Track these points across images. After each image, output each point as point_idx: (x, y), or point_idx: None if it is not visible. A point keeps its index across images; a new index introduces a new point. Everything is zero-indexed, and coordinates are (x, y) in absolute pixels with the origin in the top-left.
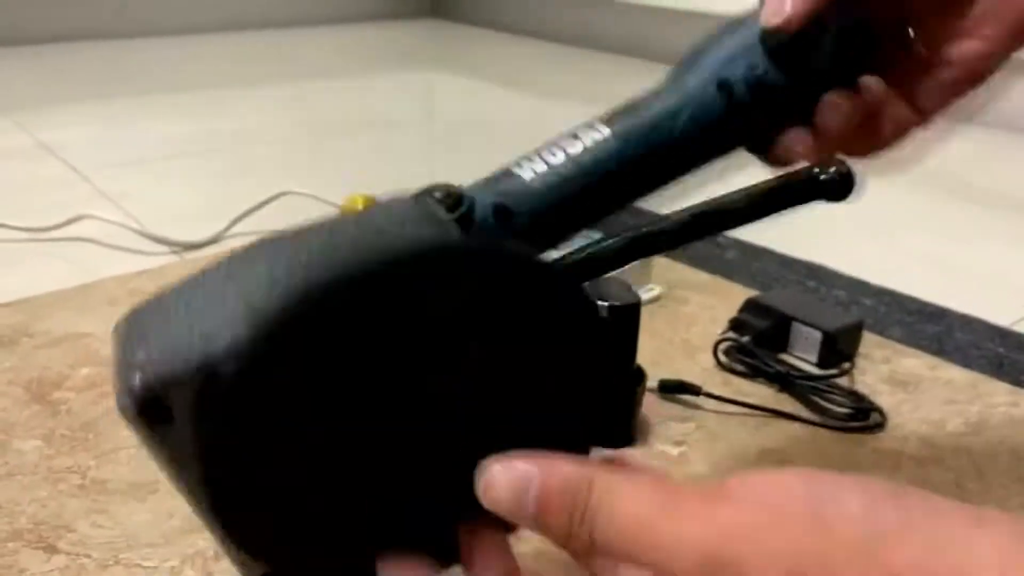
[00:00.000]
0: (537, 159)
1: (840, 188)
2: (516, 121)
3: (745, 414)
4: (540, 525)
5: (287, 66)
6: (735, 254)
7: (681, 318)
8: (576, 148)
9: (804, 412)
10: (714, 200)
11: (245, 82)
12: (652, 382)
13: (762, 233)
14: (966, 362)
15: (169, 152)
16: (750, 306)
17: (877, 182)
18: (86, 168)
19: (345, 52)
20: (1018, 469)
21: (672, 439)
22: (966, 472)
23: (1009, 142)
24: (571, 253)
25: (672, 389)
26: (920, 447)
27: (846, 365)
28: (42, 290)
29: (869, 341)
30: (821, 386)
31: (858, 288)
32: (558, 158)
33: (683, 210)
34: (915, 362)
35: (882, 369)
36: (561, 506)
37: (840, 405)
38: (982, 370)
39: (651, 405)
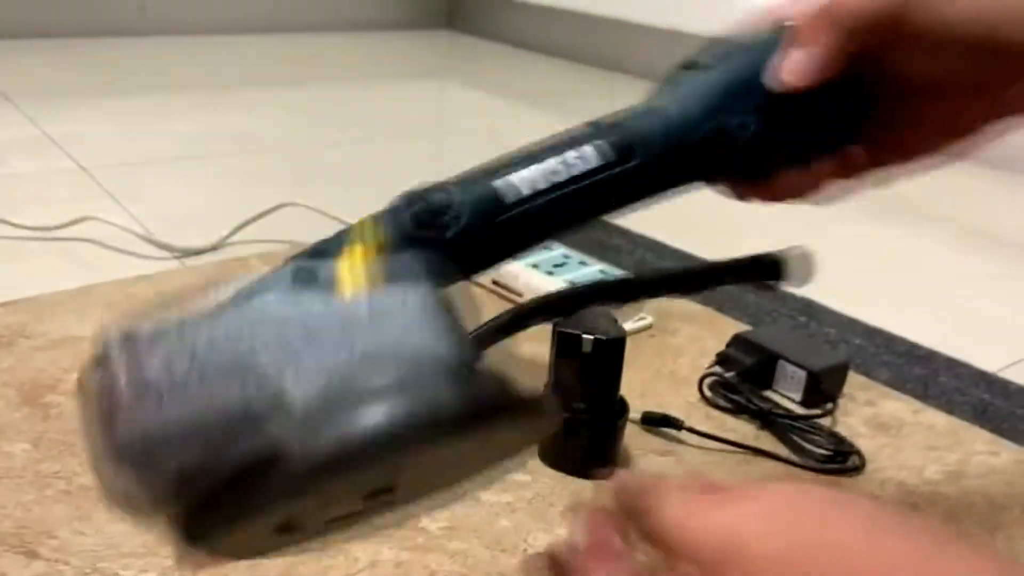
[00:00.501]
0: (523, 163)
1: (775, 274)
2: (526, 137)
3: (725, 450)
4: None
5: (301, 71)
6: (730, 287)
7: (669, 349)
8: (563, 157)
9: (784, 451)
10: (656, 270)
11: (260, 85)
12: (636, 413)
13: None
14: (950, 407)
15: (178, 153)
16: (737, 341)
17: (874, 223)
18: (94, 166)
19: (360, 60)
20: (993, 519)
21: (651, 473)
22: (941, 521)
23: (1009, 183)
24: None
25: (655, 422)
26: (897, 493)
27: (829, 405)
28: (43, 290)
29: (855, 381)
30: (802, 426)
31: (848, 326)
32: (545, 165)
33: (625, 274)
34: (898, 405)
35: (865, 411)
36: (625, 503)
37: (820, 446)
38: (965, 416)
39: (633, 437)
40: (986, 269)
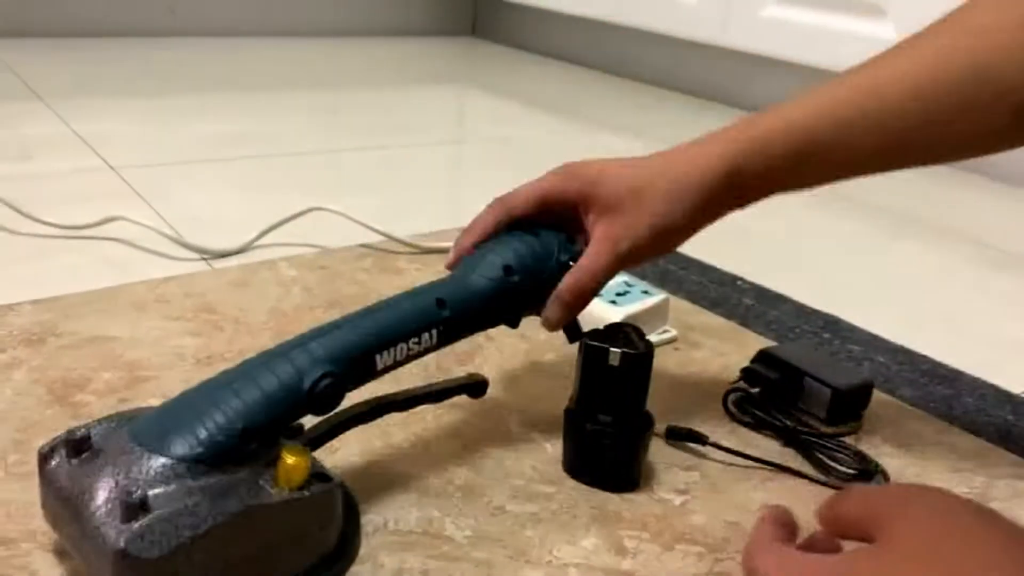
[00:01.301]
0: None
1: (477, 390)
2: (546, 144)
3: (749, 466)
4: None
5: (327, 74)
6: (753, 300)
7: (694, 363)
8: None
9: (808, 469)
10: (387, 395)
11: (287, 87)
12: (660, 427)
13: (782, 281)
14: (974, 428)
15: (207, 155)
16: (762, 357)
17: (899, 240)
18: (123, 165)
19: (385, 65)
20: None
21: (675, 487)
22: None
23: None
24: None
25: (679, 436)
26: None
27: (854, 423)
28: (72, 289)
29: (878, 400)
30: (827, 443)
31: (873, 344)
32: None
33: (367, 400)
34: (922, 425)
35: (889, 430)
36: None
37: (844, 464)
38: (989, 437)
39: (657, 451)
40: (1010, 288)
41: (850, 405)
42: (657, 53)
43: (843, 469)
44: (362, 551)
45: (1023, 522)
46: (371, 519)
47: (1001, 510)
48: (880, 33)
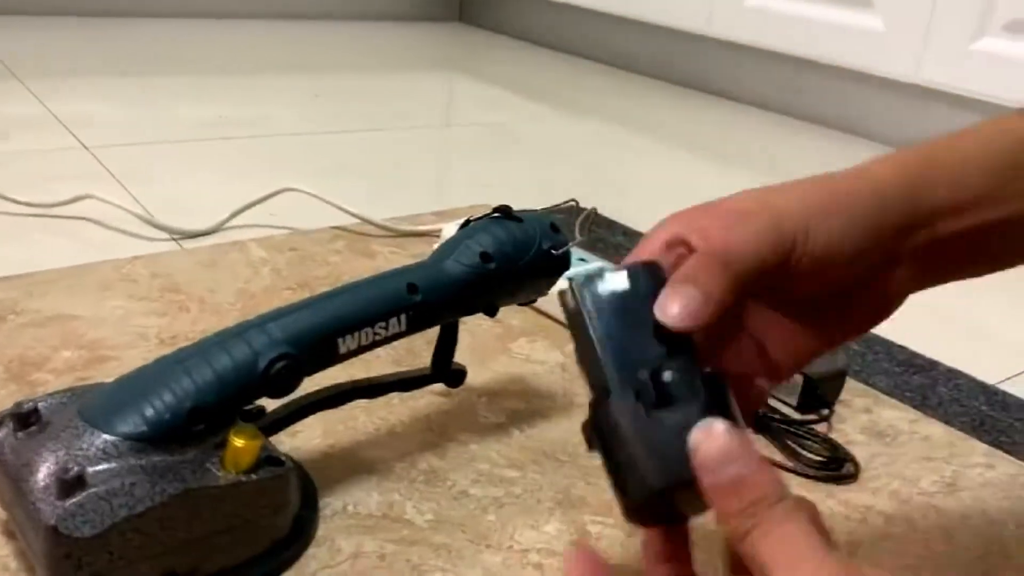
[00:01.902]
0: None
1: (454, 379)
2: (530, 130)
3: None
4: (717, 493)
5: (312, 58)
6: None
7: None
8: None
9: (778, 456)
10: (357, 381)
11: (268, 70)
12: None
13: None
14: (947, 418)
15: (185, 136)
16: None
17: None
18: (97, 145)
19: (371, 50)
20: (987, 533)
21: None
22: (934, 534)
23: None
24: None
25: None
26: (890, 503)
27: (825, 411)
28: (39, 267)
29: (852, 388)
30: (798, 431)
31: None
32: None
33: (337, 384)
34: (896, 414)
35: (862, 418)
36: (743, 498)
37: (814, 452)
38: (962, 427)
39: None
40: (988, 279)
41: (822, 392)
42: (643, 41)
43: (812, 456)
44: (319, 534)
45: (991, 512)
46: (330, 503)
47: (971, 499)
48: (867, 24)
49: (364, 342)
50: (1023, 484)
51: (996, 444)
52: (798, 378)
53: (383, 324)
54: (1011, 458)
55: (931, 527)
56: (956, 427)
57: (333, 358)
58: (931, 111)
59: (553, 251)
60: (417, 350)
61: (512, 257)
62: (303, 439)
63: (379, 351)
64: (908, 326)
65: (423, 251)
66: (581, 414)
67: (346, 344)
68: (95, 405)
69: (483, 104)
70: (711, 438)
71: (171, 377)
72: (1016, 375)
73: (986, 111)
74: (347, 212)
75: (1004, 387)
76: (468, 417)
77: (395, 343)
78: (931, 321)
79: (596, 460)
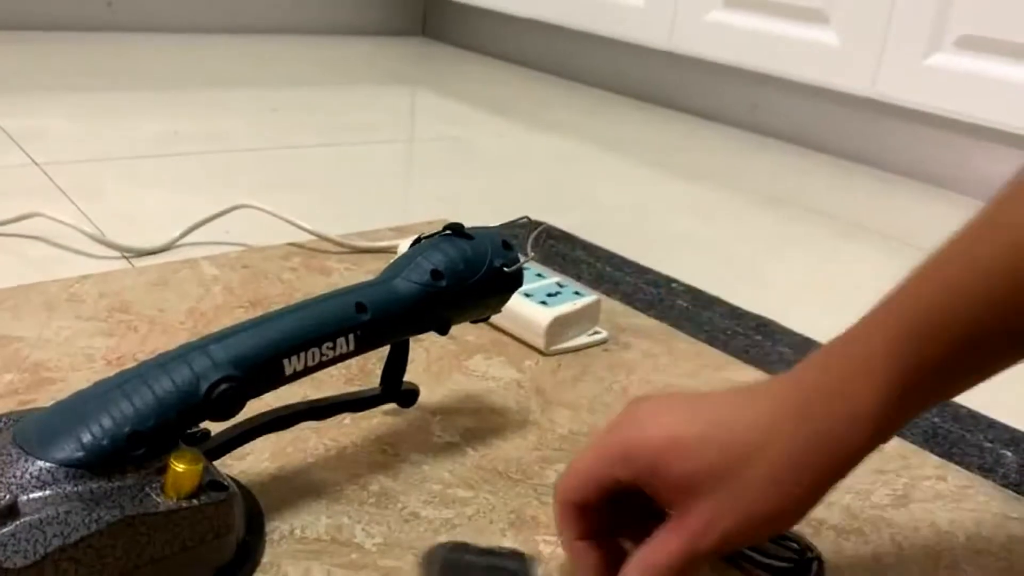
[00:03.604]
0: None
1: (406, 399)
2: (493, 145)
3: None
4: None
5: (271, 73)
6: (687, 302)
7: (622, 364)
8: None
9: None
10: (306, 402)
11: (226, 85)
12: (585, 427)
13: (720, 284)
14: (900, 431)
15: (139, 152)
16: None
17: (834, 243)
18: (48, 162)
19: (332, 64)
20: (937, 546)
21: None
22: (884, 546)
23: (974, 207)
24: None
25: None
26: (842, 517)
27: None
28: None
29: None
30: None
31: (804, 346)
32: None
33: (287, 405)
34: None
35: None
36: None
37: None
38: (915, 440)
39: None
40: None
41: None
42: (604, 56)
43: (778, 564)
44: (265, 559)
45: (942, 524)
46: (277, 527)
47: (922, 512)
48: (823, 39)
49: (311, 363)
50: (974, 496)
51: (948, 456)
52: None
53: (330, 344)
54: (962, 470)
55: (882, 540)
56: (908, 440)
57: (279, 380)
58: (886, 125)
59: (505, 268)
60: (370, 368)
61: (463, 275)
62: (251, 462)
63: (331, 370)
64: None
65: (380, 268)
66: (536, 431)
67: (292, 365)
68: (30, 430)
69: (445, 118)
70: None
71: (110, 401)
72: None
73: (943, 125)
74: (302, 228)
75: (956, 399)
76: (421, 436)
77: (347, 362)
78: None
79: (549, 479)
